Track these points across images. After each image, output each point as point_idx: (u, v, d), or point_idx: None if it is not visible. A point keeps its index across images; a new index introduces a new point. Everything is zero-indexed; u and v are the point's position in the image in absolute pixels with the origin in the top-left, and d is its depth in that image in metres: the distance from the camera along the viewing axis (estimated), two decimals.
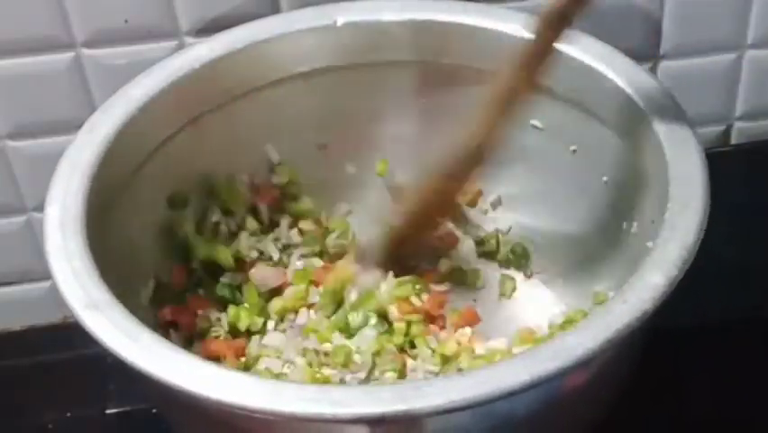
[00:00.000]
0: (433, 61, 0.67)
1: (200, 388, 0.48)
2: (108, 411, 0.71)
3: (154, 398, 0.59)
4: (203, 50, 0.65)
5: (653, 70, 0.78)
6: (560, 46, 0.62)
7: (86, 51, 0.70)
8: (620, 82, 0.60)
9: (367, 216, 0.72)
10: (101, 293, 0.52)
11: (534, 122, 0.67)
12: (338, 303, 0.66)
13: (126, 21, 0.69)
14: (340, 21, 0.66)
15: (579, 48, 0.62)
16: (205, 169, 0.67)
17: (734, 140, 0.84)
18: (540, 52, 0.57)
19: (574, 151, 0.65)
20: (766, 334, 0.71)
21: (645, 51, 0.77)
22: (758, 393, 0.68)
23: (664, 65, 0.78)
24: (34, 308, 0.74)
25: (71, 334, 0.50)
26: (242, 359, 0.64)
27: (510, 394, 0.46)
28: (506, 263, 0.71)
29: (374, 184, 0.72)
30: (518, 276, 0.70)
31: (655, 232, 0.53)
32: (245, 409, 0.47)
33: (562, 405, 0.52)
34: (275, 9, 0.70)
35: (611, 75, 0.61)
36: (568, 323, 0.64)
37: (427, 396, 0.46)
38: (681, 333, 0.71)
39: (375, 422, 0.47)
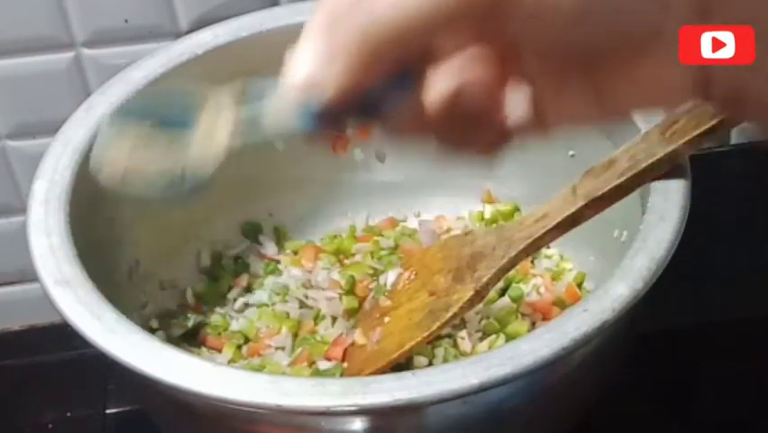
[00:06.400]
0: None
1: (153, 369, 0.48)
2: (108, 411, 0.71)
3: (123, 377, 0.59)
4: (207, 37, 0.65)
5: None
6: None
7: (86, 51, 0.70)
8: None
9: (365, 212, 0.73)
10: (74, 271, 0.52)
11: None
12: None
13: (126, 21, 0.69)
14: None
15: None
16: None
17: (734, 140, 0.84)
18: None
19: (573, 155, 0.65)
20: (766, 334, 0.71)
21: None
22: (759, 393, 0.68)
23: None
24: (34, 308, 0.74)
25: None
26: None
27: (456, 397, 0.47)
28: None
29: (375, 177, 0.73)
30: None
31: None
32: (192, 394, 0.48)
33: (528, 407, 0.53)
34: None
35: None
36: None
37: (374, 393, 0.47)
38: (682, 333, 0.71)
39: (320, 414, 0.47)
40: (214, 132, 0.35)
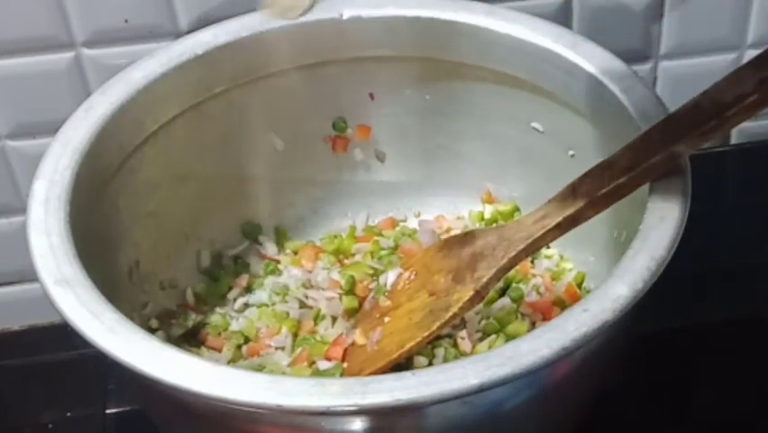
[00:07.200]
0: (436, 58, 0.67)
1: (153, 369, 0.48)
2: (108, 411, 0.71)
3: (122, 377, 0.60)
4: (207, 37, 0.65)
5: (653, 70, 0.78)
6: (561, 50, 0.63)
7: (86, 51, 0.70)
8: (616, 91, 0.60)
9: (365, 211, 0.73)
10: (74, 271, 0.52)
11: (535, 124, 0.67)
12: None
13: (126, 20, 0.69)
14: (346, 14, 0.66)
15: (579, 54, 0.62)
16: (207, 157, 0.67)
17: (734, 140, 0.84)
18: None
19: (573, 155, 0.65)
20: (766, 334, 0.71)
21: (645, 51, 0.77)
22: (759, 393, 0.68)
23: (664, 65, 0.78)
24: (34, 308, 0.74)
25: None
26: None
27: (456, 397, 0.47)
28: None
29: (375, 177, 0.73)
30: None
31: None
32: (192, 394, 0.48)
33: (528, 407, 0.53)
34: None
35: (608, 83, 0.61)
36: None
37: (374, 393, 0.47)
38: (682, 333, 0.71)
39: (320, 414, 0.47)
40: None
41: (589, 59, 0.62)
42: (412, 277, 0.63)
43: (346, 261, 0.70)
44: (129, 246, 0.63)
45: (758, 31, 0.78)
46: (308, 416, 0.48)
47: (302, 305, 0.67)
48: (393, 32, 0.66)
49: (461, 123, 0.70)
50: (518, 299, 0.65)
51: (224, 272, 0.70)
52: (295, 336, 0.66)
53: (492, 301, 0.65)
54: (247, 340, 0.66)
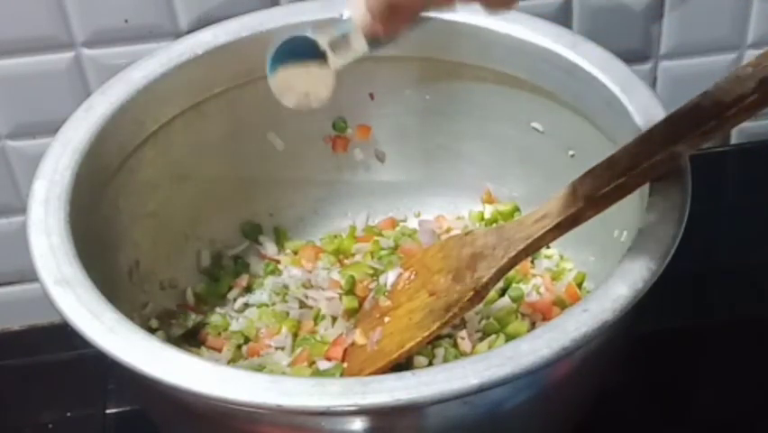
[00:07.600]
0: (436, 58, 0.67)
1: (153, 369, 0.48)
2: (108, 411, 0.71)
3: (122, 377, 0.60)
4: (207, 37, 0.65)
5: (653, 70, 0.78)
6: (561, 50, 0.63)
7: (86, 51, 0.70)
8: (616, 91, 0.60)
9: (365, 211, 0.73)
10: (74, 271, 0.52)
11: (535, 124, 0.67)
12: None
13: (126, 21, 0.69)
14: (345, 14, 0.66)
15: (579, 54, 0.62)
16: (207, 157, 0.67)
17: (734, 140, 0.84)
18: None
19: (573, 155, 0.65)
20: (766, 334, 0.71)
21: (645, 51, 0.77)
22: (759, 393, 0.68)
23: (664, 65, 0.78)
24: (34, 308, 0.74)
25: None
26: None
27: (456, 397, 0.47)
28: None
29: (375, 177, 0.73)
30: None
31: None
32: (192, 394, 0.48)
33: (528, 407, 0.53)
34: None
35: (608, 83, 0.61)
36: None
37: (374, 393, 0.47)
38: (682, 333, 0.71)
39: (320, 414, 0.47)
40: (327, 64, 0.49)
41: (589, 59, 0.62)
42: (412, 277, 0.63)
43: (346, 261, 0.70)
44: (129, 246, 0.63)
45: (758, 31, 0.78)
46: (308, 416, 0.48)
47: (302, 305, 0.67)
48: None
49: (461, 123, 0.70)
50: (518, 299, 0.65)
51: (224, 272, 0.70)
52: (295, 336, 0.66)
53: (492, 301, 0.65)
54: (247, 340, 0.66)
